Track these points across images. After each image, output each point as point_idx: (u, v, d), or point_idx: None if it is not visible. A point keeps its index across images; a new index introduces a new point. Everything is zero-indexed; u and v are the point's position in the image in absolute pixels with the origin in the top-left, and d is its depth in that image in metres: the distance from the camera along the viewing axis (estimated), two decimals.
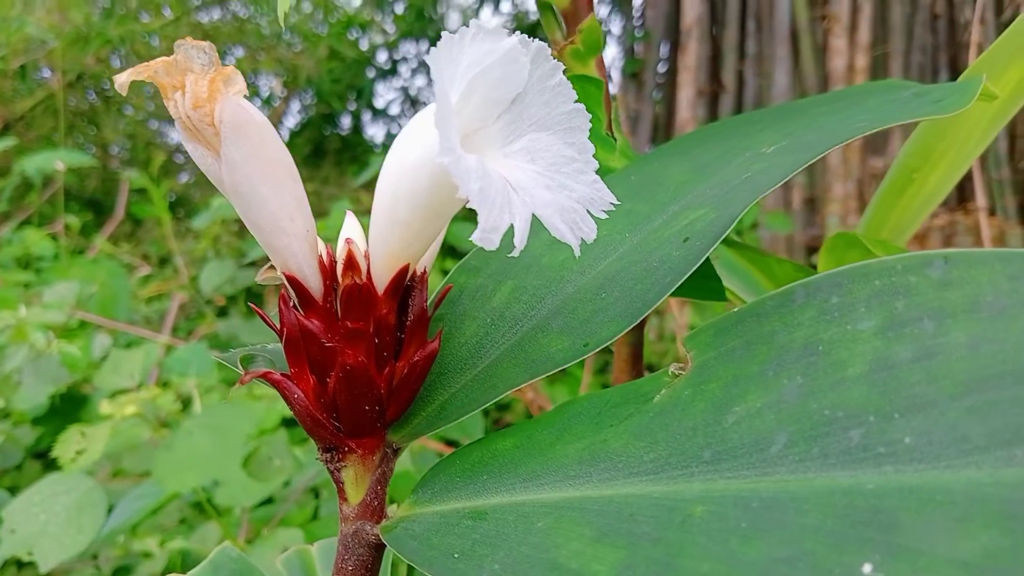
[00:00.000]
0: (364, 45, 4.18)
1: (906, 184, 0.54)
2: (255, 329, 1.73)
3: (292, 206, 0.27)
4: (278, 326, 0.29)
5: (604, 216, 0.25)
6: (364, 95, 4.10)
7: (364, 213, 0.30)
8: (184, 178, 3.94)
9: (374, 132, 4.25)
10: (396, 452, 0.31)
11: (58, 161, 2.07)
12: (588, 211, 0.25)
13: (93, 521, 0.93)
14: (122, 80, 0.25)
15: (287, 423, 1.19)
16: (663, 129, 2.88)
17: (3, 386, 1.24)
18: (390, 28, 4.18)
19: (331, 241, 0.30)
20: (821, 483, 0.20)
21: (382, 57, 4.17)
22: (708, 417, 0.24)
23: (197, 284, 1.98)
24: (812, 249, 2.48)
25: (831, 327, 0.23)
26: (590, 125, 0.27)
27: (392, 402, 0.29)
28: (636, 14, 3.10)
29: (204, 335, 1.89)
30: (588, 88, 0.44)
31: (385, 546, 0.28)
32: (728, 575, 0.19)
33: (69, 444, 1.03)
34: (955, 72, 2.52)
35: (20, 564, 1.00)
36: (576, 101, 0.27)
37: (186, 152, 0.27)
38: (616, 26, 3.29)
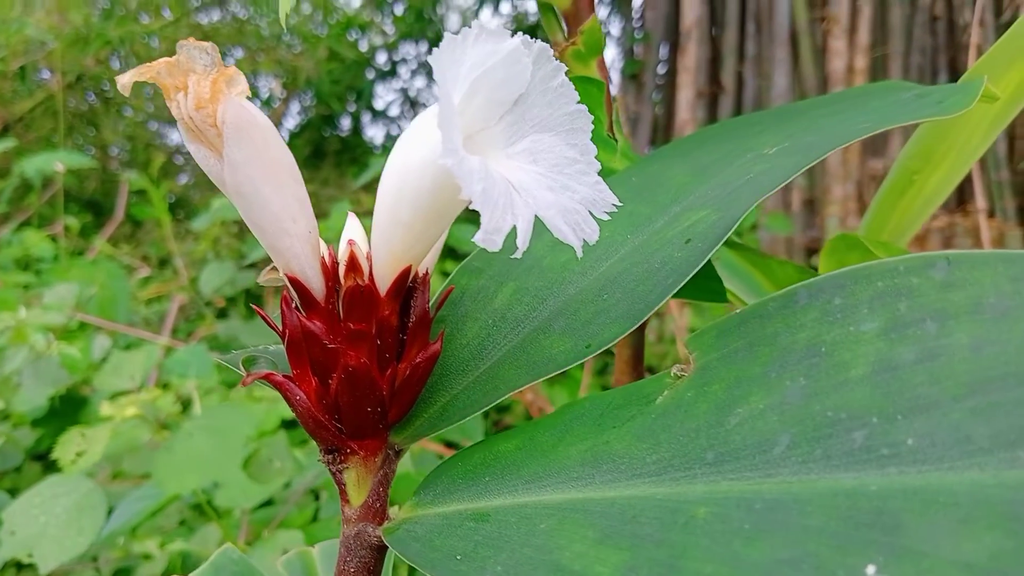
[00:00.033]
0: (364, 46, 4.18)
1: (907, 186, 0.54)
2: (255, 331, 1.72)
3: (294, 207, 0.27)
4: (280, 327, 0.29)
5: (606, 217, 0.25)
6: (364, 96, 4.10)
7: (364, 214, 0.30)
8: (184, 179, 3.94)
9: (374, 133, 4.26)
10: (398, 454, 0.31)
11: (58, 162, 2.07)
12: (590, 212, 0.25)
13: (93, 523, 0.93)
14: (125, 81, 0.25)
15: (287, 425, 1.19)
16: (662, 130, 2.89)
17: (3, 388, 1.24)
18: (389, 29, 4.18)
19: (331, 242, 0.30)
20: (824, 485, 0.20)
21: (382, 58, 4.16)
22: (711, 419, 0.24)
23: (197, 286, 1.98)
24: (811, 251, 2.48)
25: (834, 328, 0.23)
26: (592, 126, 0.27)
27: (394, 404, 0.29)
28: (636, 15, 3.10)
29: (204, 337, 1.89)
30: (589, 89, 0.44)
31: (387, 548, 0.28)
32: None
33: (69, 446, 1.02)
34: (954, 74, 2.52)
35: (20, 566, 1.00)
36: (578, 102, 0.27)
37: (186, 153, 0.27)
38: (615, 27, 3.29)
